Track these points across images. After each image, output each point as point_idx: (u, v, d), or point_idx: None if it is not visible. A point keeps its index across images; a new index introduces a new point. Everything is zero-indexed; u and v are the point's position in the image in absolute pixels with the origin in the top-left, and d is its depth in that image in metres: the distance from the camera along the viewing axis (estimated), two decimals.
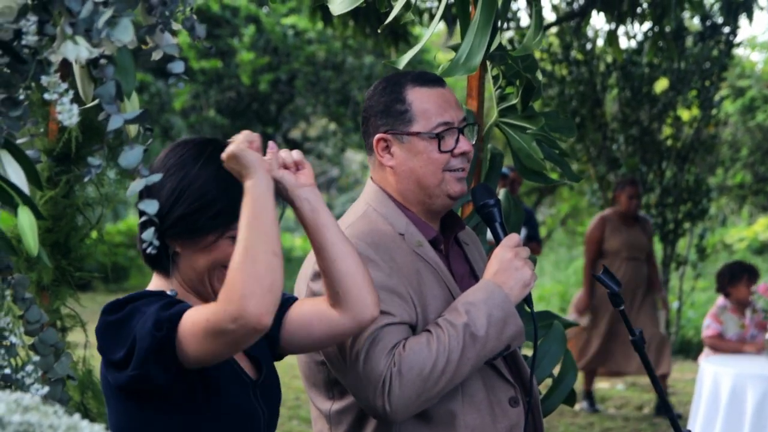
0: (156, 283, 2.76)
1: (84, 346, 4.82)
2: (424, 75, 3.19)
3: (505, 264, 3.04)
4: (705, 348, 8.66)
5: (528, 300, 3.10)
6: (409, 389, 2.89)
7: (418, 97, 3.12)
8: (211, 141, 2.75)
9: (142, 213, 2.44)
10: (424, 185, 3.12)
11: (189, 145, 2.74)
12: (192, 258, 2.69)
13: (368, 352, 2.91)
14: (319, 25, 11.56)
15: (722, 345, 8.41)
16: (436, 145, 3.10)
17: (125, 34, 2.21)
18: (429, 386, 2.91)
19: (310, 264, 3.07)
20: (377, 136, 3.14)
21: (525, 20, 11.08)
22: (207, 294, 2.70)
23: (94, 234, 4.78)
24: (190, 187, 2.65)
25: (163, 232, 2.64)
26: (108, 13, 2.19)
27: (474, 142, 3.20)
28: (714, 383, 7.38)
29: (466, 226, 3.35)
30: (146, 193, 2.54)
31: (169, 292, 2.69)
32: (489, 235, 3.38)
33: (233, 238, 2.56)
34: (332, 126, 22.69)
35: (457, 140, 3.12)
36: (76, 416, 1.72)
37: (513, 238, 3.10)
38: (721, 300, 8.61)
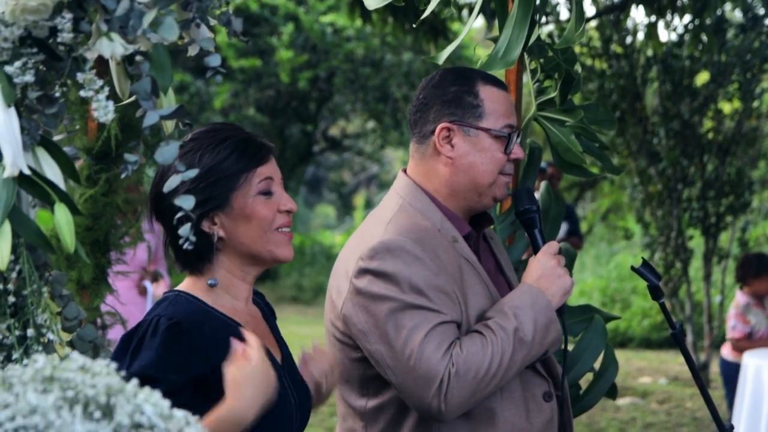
0: (188, 284, 2.79)
1: None
2: (492, 76, 3.21)
3: (548, 271, 3.06)
4: (727, 342, 8.29)
5: (561, 309, 3.12)
6: (466, 390, 2.91)
7: (489, 96, 3.13)
8: (217, 128, 2.80)
9: (177, 209, 2.41)
10: (478, 182, 3.12)
11: (198, 134, 2.78)
12: (237, 228, 2.73)
13: (423, 351, 2.90)
14: (358, 22, 11.54)
15: (752, 345, 7.97)
16: (502, 146, 3.11)
17: (171, 33, 2.21)
18: (482, 387, 2.93)
19: (352, 259, 3.04)
20: (442, 124, 3.11)
21: (564, 14, 11.03)
22: (265, 254, 2.75)
23: None
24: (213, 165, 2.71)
25: (199, 220, 2.69)
26: (152, 14, 2.19)
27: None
28: (756, 377, 7.31)
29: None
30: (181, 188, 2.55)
31: (209, 282, 2.74)
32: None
33: (264, 194, 2.70)
34: (371, 123, 22.73)
35: (514, 145, 3.14)
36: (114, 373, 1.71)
37: (553, 246, 3.13)
38: (741, 297, 8.27)
